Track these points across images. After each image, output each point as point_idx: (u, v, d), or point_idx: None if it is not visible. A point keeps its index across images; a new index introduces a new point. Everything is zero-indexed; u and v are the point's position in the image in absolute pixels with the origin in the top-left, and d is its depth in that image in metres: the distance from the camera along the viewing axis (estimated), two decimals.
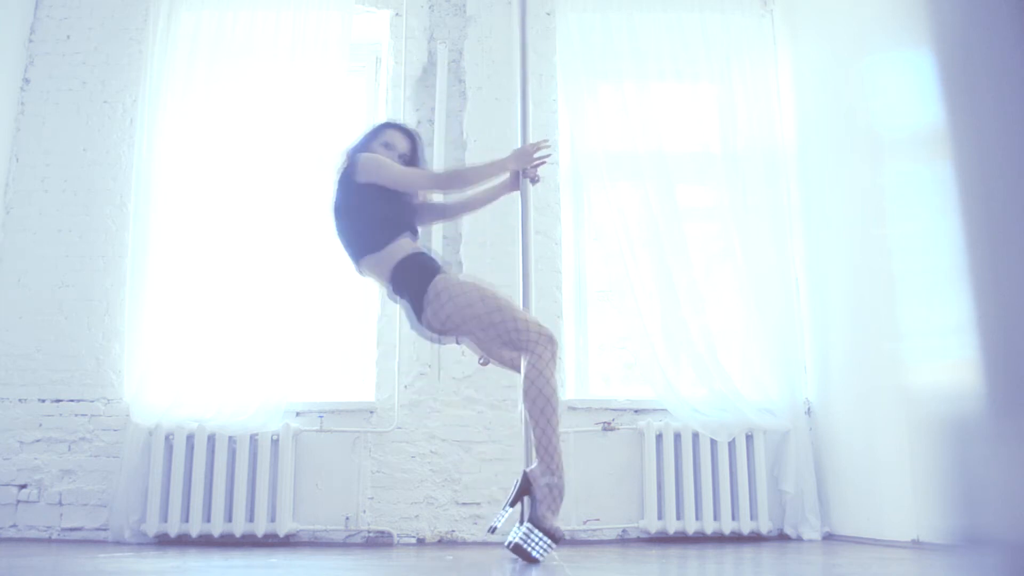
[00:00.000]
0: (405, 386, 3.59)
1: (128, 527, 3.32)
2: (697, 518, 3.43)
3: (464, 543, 3.43)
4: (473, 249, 3.69)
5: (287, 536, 3.38)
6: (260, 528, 3.35)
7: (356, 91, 4.02)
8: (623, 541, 3.47)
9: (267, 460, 3.41)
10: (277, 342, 3.49)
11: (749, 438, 3.50)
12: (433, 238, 3.66)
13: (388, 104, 3.86)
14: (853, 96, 3.28)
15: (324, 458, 3.51)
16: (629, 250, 3.62)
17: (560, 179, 3.81)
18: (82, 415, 3.53)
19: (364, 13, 3.93)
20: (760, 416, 3.50)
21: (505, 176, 2.78)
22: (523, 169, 2.72)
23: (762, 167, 3.76)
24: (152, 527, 3.30)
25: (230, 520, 3.36)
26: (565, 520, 3.32)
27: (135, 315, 3.54)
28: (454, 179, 2.75)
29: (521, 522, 2.42)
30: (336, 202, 2.66)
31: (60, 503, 3.44)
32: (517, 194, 2.76)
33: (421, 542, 3.45)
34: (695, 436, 3.48)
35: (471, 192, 2.86)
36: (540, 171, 2.78)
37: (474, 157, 3.71)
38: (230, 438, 3.41)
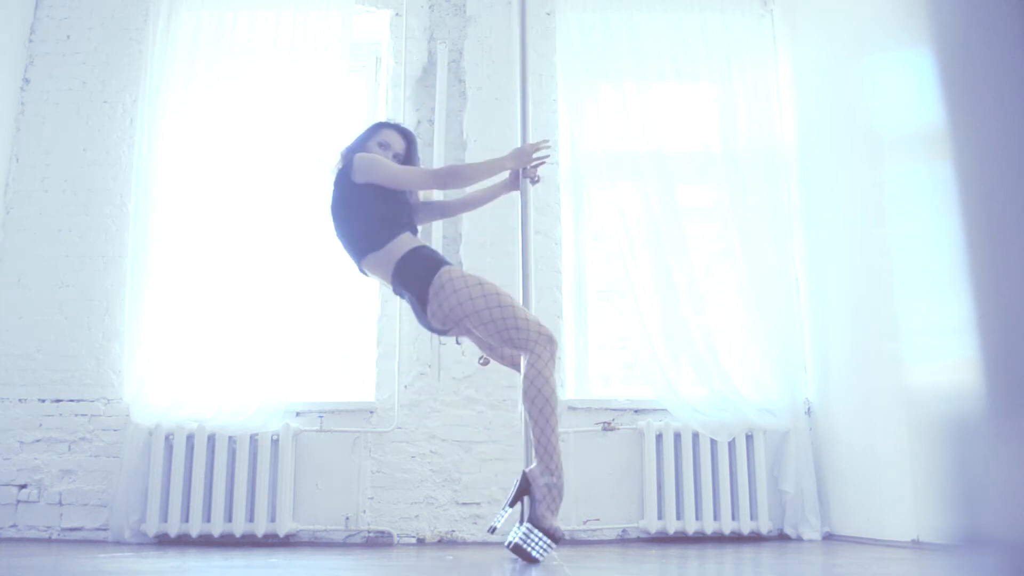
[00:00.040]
0: (405, 386, 3.59)
1: (128, 527, 3.32)
2: (697, 518, 3.43)
3: (464, 543, 3.43)
4: (473, 249, 3.69)
5: (287, 536, 3.38)
6: (260, 528, 3.35)
7: (356, 91, 4.02)
8: (623, 541, 3.47)
9: (267, 460, 3.41)
10: (277, 342, 3.49)
11: (749, 438, 3.50)
12: (433, 238, 3.66)
13: (388, 104, 3.86)
14: (853, 96, 3.28)
15: (324, 458, 3.51)
16: (629, 250, 3.62)
17: (560, 179, 3.81)
18: (82, 415, 3.53)
19: (364, 13, 3.93)
20: (760, 416, 3.51)
21: (505, 175, 2.78)
22: (523, 169, 2.73)
23: (762, 167, 3.76)
24: (152, 527, 3.31)
25: (230, 520, 3.36)
26: (565, 520, 3.32)
27: (135, 315, 3.54)
28: (452, 177, 2.72)
29: (521, 522, 2.42)
30: (334, 203, 2.67)
31: (60, 503, 3.44)
32: (517, 194, 2.77)
33: (421, 542, 3.45)
34: (695, 436, 3.48)
35: (470, 190, 2.86)
36: (540, 171, 2.79)
37: (474, 157, 3.71)
38: (230, 438, 3.42)
